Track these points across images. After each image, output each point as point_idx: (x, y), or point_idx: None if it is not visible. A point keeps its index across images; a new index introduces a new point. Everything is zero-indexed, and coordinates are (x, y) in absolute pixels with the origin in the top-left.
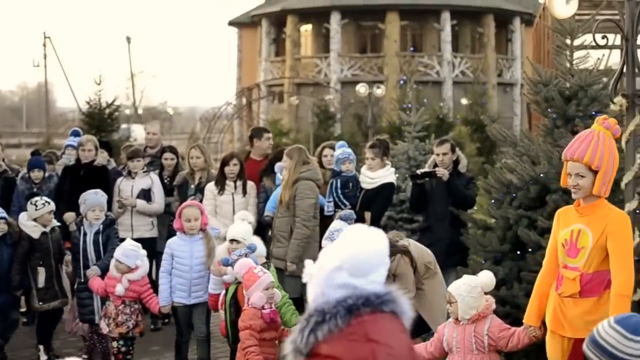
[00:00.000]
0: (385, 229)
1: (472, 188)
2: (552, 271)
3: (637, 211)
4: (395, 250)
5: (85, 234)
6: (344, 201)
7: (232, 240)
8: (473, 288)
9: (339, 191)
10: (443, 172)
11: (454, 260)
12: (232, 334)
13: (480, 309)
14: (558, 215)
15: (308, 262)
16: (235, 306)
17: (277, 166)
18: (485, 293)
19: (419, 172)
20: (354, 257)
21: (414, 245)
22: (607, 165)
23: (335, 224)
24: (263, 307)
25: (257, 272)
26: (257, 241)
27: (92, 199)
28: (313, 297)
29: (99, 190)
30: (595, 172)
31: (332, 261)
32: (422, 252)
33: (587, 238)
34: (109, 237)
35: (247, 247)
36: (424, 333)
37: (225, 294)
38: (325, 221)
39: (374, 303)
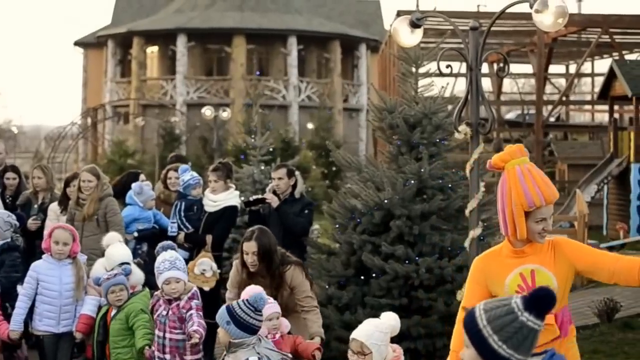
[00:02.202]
0: (230, 251)
1: (306, 215)
2: None
3: (481, 238)
4: (290, 260)
5: None
6: (187, 224)
7: (123, 264)
8: (385, 334)
9: (183, 214)
10: (271, 198)
11: None
12: (97, 354)
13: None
14: (482, 265)
15: None
16: (104, 327)
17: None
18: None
19: (250, 198)
20: None
21: None
22: None
23: (162, 255)
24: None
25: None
26: (134, 266)
27: None
28: None
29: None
30: None
31: None
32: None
33: (546, 276)
34: (2, 262)
35: (122, 269)
36: None
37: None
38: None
39: None
